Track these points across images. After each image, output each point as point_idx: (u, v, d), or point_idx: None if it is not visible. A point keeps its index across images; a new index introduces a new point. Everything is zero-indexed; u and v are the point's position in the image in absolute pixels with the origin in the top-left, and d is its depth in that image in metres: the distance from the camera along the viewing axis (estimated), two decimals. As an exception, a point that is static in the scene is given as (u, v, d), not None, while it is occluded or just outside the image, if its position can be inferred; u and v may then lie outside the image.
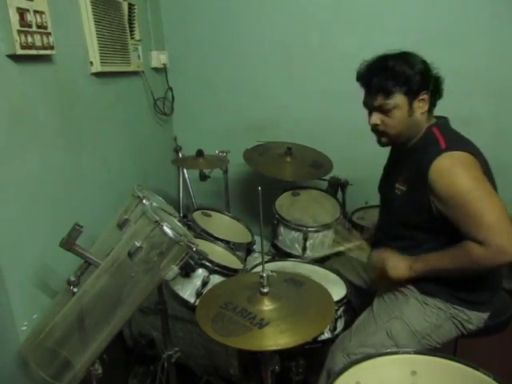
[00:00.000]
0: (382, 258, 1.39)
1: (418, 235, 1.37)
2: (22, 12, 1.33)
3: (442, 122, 1.39)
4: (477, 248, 1.18)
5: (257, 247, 2.01)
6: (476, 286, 1.35)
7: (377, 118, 1.35)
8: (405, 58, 1.31)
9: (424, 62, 1.33)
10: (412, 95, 1.30)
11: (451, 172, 1.23)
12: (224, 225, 2.10)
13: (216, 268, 1.50)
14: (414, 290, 1.41)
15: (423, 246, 1.35)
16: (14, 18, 1.30)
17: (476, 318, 1.38)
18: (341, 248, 1.72)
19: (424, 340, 1.37)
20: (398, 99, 1.30)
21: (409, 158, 1.38)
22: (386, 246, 1.44)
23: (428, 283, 1.37)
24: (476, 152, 1.28)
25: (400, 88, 1.29)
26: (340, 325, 1.48)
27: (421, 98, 1.31)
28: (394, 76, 1.28)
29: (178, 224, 1.25)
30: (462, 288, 1.34)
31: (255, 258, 1.96)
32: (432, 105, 1.36)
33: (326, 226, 1.99)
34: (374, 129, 1.39)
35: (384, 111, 1.33)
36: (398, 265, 1.35)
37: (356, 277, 1.70)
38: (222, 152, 2.30)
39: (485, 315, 1.39)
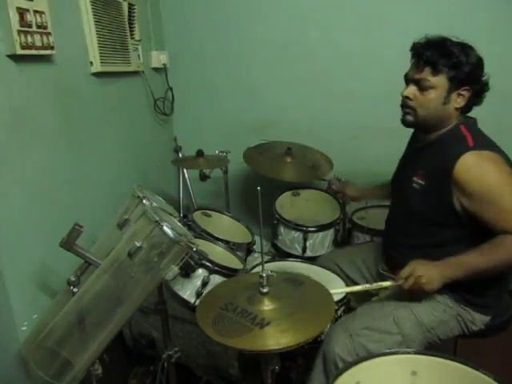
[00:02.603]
0: (415, 274, 1.25)
1: (431, 231, 1.35)
2: (22, 12, 1.32)
3: (471, 122, 1.37)
4: None
5: (257, 247, 2.00)
6: (484, 290, 1.35)
7: (412, 90, 1.32)
8: (464, 46, 1.29)
9: (480, 60, 1.30)
10: (455, 84, 1.27)
11: (480, 167, 1.20)
12: (224, 225, 2.10)
13: (216, 268, 1.50)
14: None
15: (441, 245, 1.33)
16: (14, 18, 1.30)
17: (480, 320, 1.38)
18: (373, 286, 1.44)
19: (428, 333, 1.36)
20: (441, 81, 1.27)
21: (430, 151, 1.35)
22: (396, 242, 1.44)
23: None
24: (503, 154, 1.27)
25: (448, 70, 1.26)
26: (340, 325, 1.48)
27: (461, 92, 1.29)
28: (447, 55, 1.26)
29: (178, 224, 1.25)
30: (471, 290, 1.34)
31: (255, 258, 1.96)
32: (468, 106, 1.33)
33: (326, 226, 1.99)
34: (404, 103, 1.35)
35: (422, 87, 1.30)
36: (431, 278, 1.24)
37: (356, 273, 1.69)
38: (222, 152, 2.30)
39: (488, 318, 1.39)
